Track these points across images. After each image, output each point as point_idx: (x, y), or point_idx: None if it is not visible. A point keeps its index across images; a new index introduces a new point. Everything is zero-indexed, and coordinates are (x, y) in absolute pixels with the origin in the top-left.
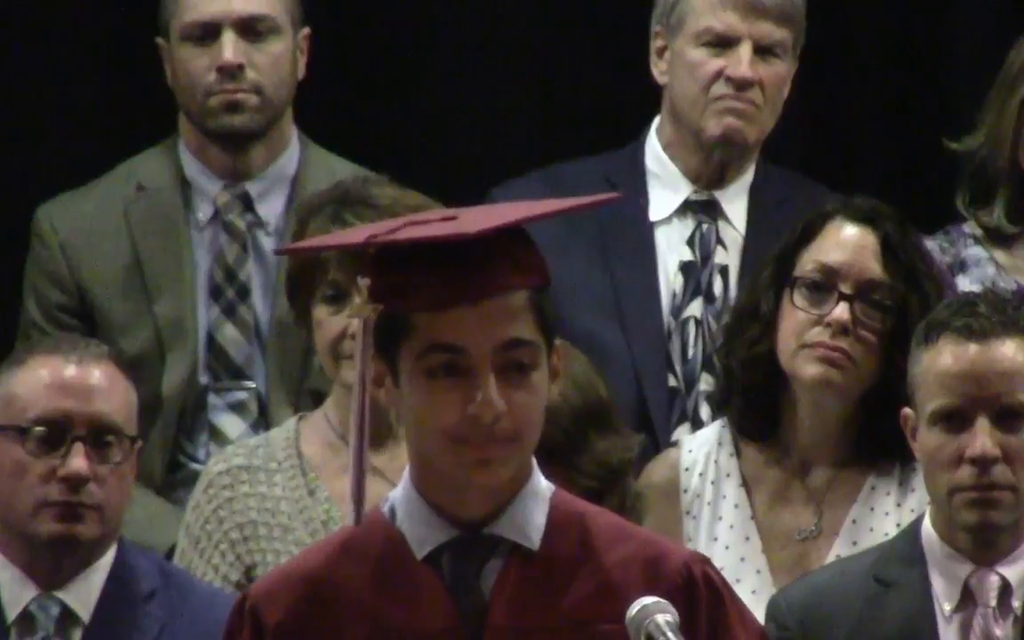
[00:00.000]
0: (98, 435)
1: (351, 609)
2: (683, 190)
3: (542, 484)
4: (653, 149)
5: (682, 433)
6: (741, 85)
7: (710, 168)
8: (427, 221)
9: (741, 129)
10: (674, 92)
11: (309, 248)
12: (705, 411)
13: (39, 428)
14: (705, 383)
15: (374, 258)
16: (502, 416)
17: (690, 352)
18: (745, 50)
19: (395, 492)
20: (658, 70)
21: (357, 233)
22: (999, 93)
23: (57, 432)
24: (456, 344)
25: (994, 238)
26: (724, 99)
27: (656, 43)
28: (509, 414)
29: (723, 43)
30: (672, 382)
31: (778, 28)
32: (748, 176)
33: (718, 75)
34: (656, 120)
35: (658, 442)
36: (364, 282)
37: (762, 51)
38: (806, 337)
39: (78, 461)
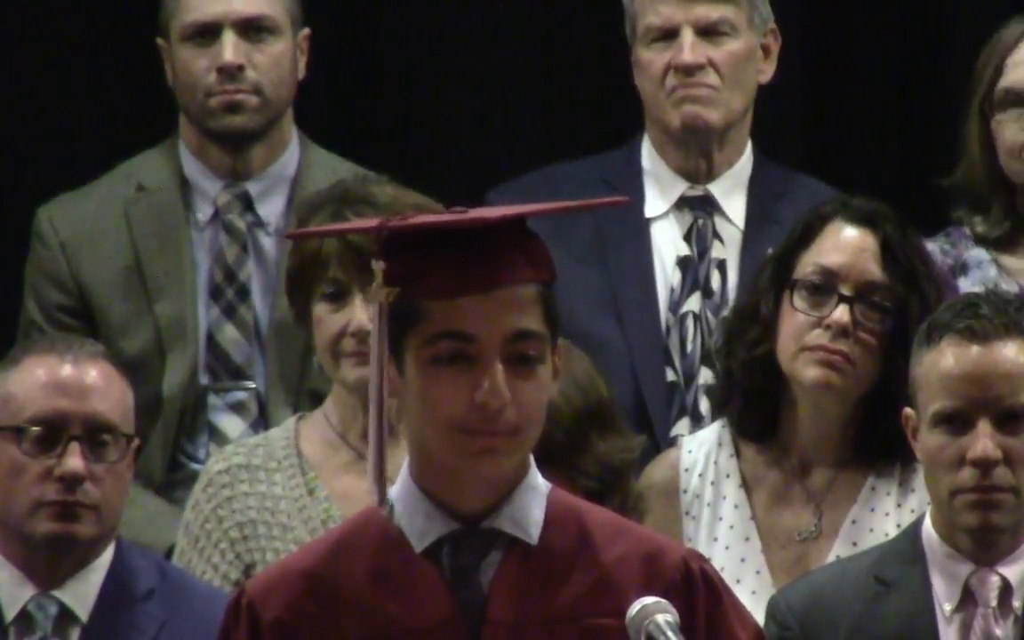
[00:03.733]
0: (94, 434)
1: (349, 604)
2: (678, 187)
3: (539, 479)
4: (648, 148)
5: (681, 427)
6: (688, 71)
7: (692, 161)
8: (435, 212)
9: (700, 113)
10: (643, 96)
11: (321, 233)
12: (704, 405)
13: (35, 428)
14: (704, 377)
15: (387, 245)
16: (507, 406)
17: (688, 347)
18: (686, 36)
19: (392, 488)
20: (636, 81)
21: (370, 220)
22: (971, 105)
23: (53, 432)
24: (467, 332)
25: (994, 242)
26: (677, 90)
27: (632, 56)
28: (514, 405)
29: (666, 36)
30: (671, 377)
31: (717, 6)
32: (745, 170)
33: (668, 68)
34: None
35: (657, 437)
36: (379, 266)
37: (707, 33)
38: (806, 339)
39: (74, 460)
